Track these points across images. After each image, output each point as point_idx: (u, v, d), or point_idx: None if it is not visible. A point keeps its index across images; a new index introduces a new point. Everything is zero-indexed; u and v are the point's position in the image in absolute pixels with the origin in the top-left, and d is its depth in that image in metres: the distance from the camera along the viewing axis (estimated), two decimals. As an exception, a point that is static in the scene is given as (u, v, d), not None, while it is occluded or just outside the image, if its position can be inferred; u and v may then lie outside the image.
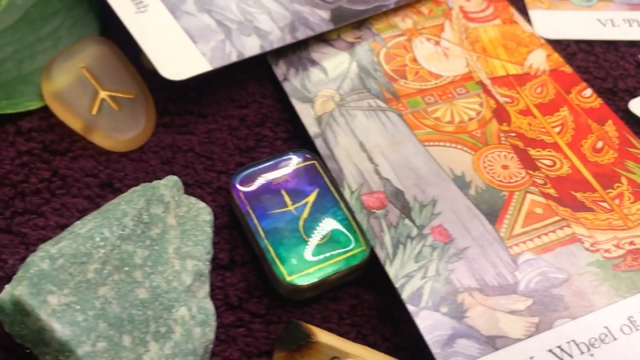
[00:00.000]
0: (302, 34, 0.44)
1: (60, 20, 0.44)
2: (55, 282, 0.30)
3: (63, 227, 0.37)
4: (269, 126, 0.42)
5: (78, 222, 0.35)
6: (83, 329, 0.30)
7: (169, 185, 0.36)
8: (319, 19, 0.44)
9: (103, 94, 0.40)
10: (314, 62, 0.44)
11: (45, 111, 0.41)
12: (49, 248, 0.33)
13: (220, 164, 0.40)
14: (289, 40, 0.43)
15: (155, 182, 0.36)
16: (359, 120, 0.41)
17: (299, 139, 0.42)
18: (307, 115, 0.41)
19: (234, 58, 0.41)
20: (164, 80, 0.41)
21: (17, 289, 0.30)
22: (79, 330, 0.30)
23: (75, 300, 0.30)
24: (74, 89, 0.40)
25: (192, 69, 0.40)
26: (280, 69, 0.43)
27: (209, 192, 0.39)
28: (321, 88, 0.43)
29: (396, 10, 0.47)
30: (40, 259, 0.31)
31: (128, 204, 0.34)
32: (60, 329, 0.30)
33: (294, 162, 0.39)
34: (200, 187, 0.39)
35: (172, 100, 0.42)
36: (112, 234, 0.32)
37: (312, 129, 0.41)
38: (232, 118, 0.42)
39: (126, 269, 0.32)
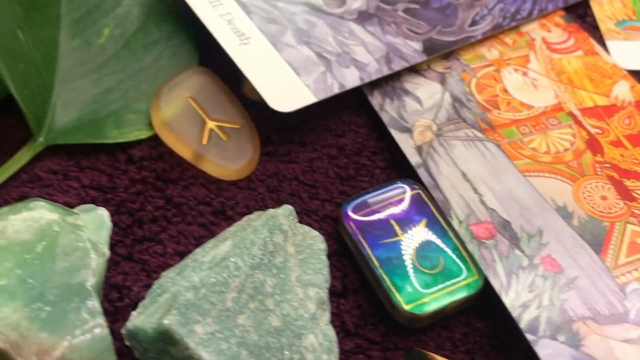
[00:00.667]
0: (397, 65, 0.45)
1: (161, 50, 0.45)
2: (199, 311, 0.31)
3: (181, 254, 0.38)
4: (366, 155, 0.43)
5: (199, 249, 0.36)
6: (228, 357, 0.31)
7: (285, 214, 0.37)
8: (412, 50, 0.46)
9: (211, 124, 0.41)
10: (407, 92, 0.45)
11: (153, 140, 0.42)
12: (176, 276, 0.35)
13: (324, 192, 0.42)
14: (385, 71, 0.44)
15: (273, 211, 0.37)
16: (459, 150, 0.42)
17: (396, 167, 0.43)
18: (407, 145, 0.42)
19: (335, 90, 0.43)
20: (263, 110, 0.42)
21: (167, 318, 0.31)
22: (225, 358, 0.31)
23: (219, 329, 0.31)
24: (182, 118, 0.41)
25: (299, 101, 0.42)
26: (375, 99, 0.45)
27: (316, 219, 0.40)
28: (418, 118, 0.44)
29: (482, 41, 0.48)
30: (186, 289, 0.32)
31: (254, 234, 0.35)
32: (208, 358, 0.31)
33: (401, 191, 0.40)
34: (308, 215, 0.41)
35: (273, 129, 0.44)
36: (244, 263, 0.34)
37: (413, 158, 0.42)
38: (331, 147, 0.43)
39: (259, 297, 0.33)
